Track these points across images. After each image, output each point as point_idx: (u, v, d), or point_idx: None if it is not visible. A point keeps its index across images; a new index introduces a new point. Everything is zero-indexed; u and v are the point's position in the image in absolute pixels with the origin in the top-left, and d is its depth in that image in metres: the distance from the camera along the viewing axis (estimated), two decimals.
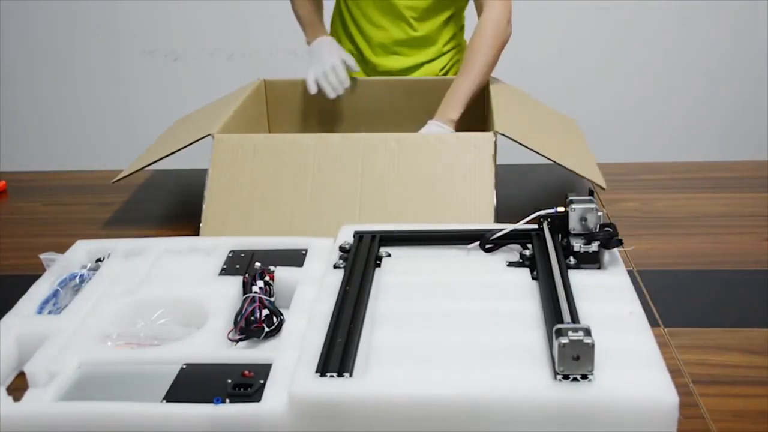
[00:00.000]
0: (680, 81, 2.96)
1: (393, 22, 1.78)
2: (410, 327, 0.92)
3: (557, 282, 0.96)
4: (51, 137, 3.09)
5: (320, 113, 1.78)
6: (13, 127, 3.08)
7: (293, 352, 0.88)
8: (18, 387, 0.91)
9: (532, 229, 1.11)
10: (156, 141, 1.58)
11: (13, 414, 0.82)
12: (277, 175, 1.35)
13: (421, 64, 1.83)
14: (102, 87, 3.03)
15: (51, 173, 1.78)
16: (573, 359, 0.79)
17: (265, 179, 1.35)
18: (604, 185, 1.36)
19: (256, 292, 0.98)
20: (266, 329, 0.95)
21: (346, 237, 1.14)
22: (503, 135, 1.34)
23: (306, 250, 1.14)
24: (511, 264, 1.07)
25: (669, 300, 1.09)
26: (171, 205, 1.43)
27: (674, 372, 0.86)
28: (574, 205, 1.06)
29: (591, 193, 1.09)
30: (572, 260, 1.04)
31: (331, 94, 1.70)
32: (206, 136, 1.38)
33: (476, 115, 1.61)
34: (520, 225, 1.10)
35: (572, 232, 1.06)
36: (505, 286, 1.01)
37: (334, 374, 0.82)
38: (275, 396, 0.82)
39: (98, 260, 1.16)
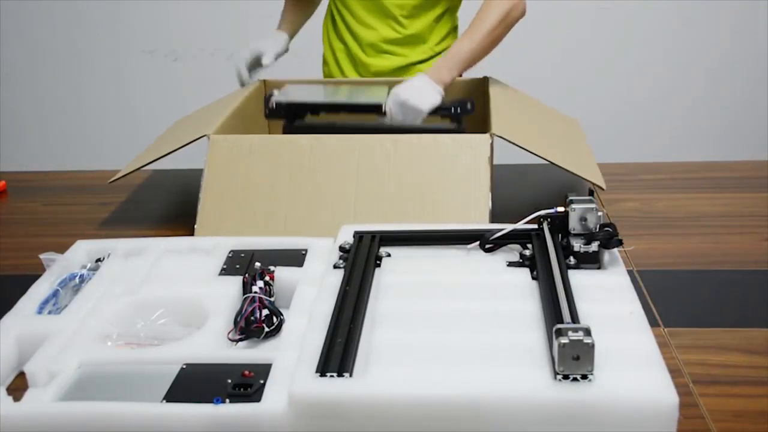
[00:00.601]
0: (680, 81, 2.96)
1: (382, 21, 1.77)
2: (410, 327, 0.92)
3: (557, 282, 0.96)
4: (51, 137, 3.09)
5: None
6: (13, 127, 3.08)
7: (293, 352, 0.88)
8: (18, 387, 0.91)
9: (532, 229, 1.11)
10: (155, 141, 1.58)
11: (13, 414, 0.82)
12: (273, 176, 1.35)
13: (413, 64, 1.82)
14: (102, 87, 3.03)
15: (51, 173, 1.78)
16: (573, 359, 0.79)
17: (260, 180, 1.35)
18: (603, 186, 1.36)
19: (256, 292, 0.98)
20: (266, 329, 0.95)
21: (346, 237, 1.14)
22: (500, 137, 1.34)
23: (306, 250, 1.14)
24: (511, 264, 1.07)
25: (669, 300, 1.09)
26: (171, 205, 1.43)
27: (674, 372, 0.86)
28: (574, 205, 1.06)
29: (591, 193, 1.09)
30: (572, 260, 1.04)
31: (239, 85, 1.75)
32: (202, 136, 1.38)
33: (477, 117, 1.61)
34: (520, 225, 1.10)
35: (572, 232, 1.06)
36: (505, 286, 1.01)
37: (334, 374, 0.82)
38: (275, 396, 0.82)
39: (98, 260, 1.16)
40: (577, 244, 1.05)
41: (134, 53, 2.98)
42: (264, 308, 0.97)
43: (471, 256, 1.11)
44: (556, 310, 0.91)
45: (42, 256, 1.16)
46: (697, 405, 0.88)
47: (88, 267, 1.14)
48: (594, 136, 3.08)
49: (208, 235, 1.29)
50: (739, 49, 2.91)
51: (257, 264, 1.07)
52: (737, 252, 1.24)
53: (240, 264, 1.12)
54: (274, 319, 0.96)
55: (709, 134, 2.99)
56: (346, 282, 1.00)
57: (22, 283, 1.09)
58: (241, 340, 0.94)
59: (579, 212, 1.06)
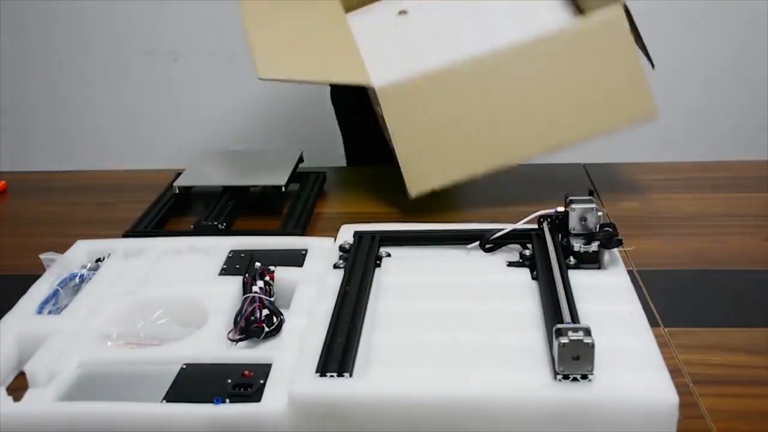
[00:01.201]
0: (680, 81, 2.96)
1: None
2: (410, 327, 0.92)
3: (557, 282, 0.97)
4: (51, 137, 3.09)
5: None
6: (13, 127, 3.08)
7: (293, 352, 0.88)
8: (18, 387, 0.91)
9: (532, 229, 1.11)
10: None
11: (13, 414, 0.83)
12: (451, 110, 1.34)
13: None
14: (102, 87, 3.02)
15: (51, 173, 1.78)
16: (573, 359, 0.79)
17: (441, 118, 1.34)
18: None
19: (256, 292, 0.98)
20: (266, 329, 0.95)
21: (346, 237, 1.14)
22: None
23: (306, 250, 1.15)
24: (511, 264, 1.07)
25: (669, 300, 1.09)
26: (171, 205, 1.43)
27: (674, 372, 0.86)
28: (574, 205, 1.06)
29: (591, 193, 1.09)
30: (572, 260, 1.04)
31: None
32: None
33: None
34: (520, 225, 1.10)
35: (572, 232, 1.06)
36: (504, 286, 1.01)
37: (334, 374, 0.82)
38: (275, 396, 0.82)
39: (98, 260, 1.16)
40: (577, 244, 1.05)
41: (134, 53, 2.98)
42: (264, 308, 0.97)
43: (471, 256, 1.11)
44: (556, 310, 0.91)
45: (42, 256, 1.16)
46: (697, 405, 0.88)
47: (88, 267, 1.14)
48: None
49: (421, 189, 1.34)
50: (740, 49, 2.90)
51: (257, 264, 1.07)
52: (737, 252, 1.24)
53: (240, 264, 1.12)
54: (274, 319, 0.96)
55: (709, 134, 2.98)
56: (346, 282, 1.00)
57: (22, 283, 1.09)
58: (241, 340, 0.95)
59: (579, 212, 1.06)
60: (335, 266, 1.07)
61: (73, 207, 1.53)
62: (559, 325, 0.82)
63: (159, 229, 1.36)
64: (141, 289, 1.05)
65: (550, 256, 1.03)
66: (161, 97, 3.02)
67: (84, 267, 1.14)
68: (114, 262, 1.14)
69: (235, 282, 1.05)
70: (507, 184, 1.51)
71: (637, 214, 1.39)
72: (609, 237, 1.04)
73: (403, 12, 1.55)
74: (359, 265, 1.05)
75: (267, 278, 1.03)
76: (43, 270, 1.14)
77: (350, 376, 0.83)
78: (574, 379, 0.80)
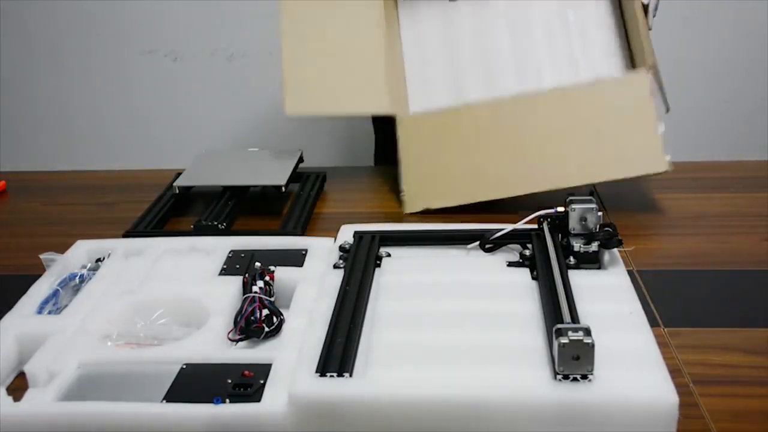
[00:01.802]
0: (680, 81, 2.96)
1: None
2: (410, 327, 0.92)
3: (557, 282, 0.97)
4: (51, 137, 3.09)
5: None
6: (13, 127, 3.08)
7: (293, 352, 0.88)
8: (18, 387, 0.91)
9: (532, 229, 1.11)
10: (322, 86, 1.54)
11: (13, 414, 0.82)
12: (462, 143, 1.40)
13: None
14: (101, 87, 3.02)
15: (51, 173, 1.78)
16: (573, 359, 0.79)
17: (450, 150, 1.40)
18: None
19: (256, 292, 0.98)
20: (266, 329, 0.95)
21: (346, 237, 1.14)
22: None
23: (306, 250, 1.14)
24: (511, 264, 1.07)
25: (669, 300, 1.09)
26: (171, 205, 1.43)
27: (674, 372, 0.86)
28: (574, 205, 1.06)
29: (591, 193, 1.09)
30: (572, 260, 1.04)
31: None
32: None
33: None
34: (520, 225, 1.10)
35: (572, 232, 1.06)
36: (505, 286, 1.01)
37: (334, 374, 0.82)
38: (275, 396, 0.82)
39: (98, 260, 1.16)
40: (577, 244, 1.05)
41: (134, 53, 2.98)
42: (264, 308, 0.97)
43: (471, 256, 1.11)
44: (556, 310, 0.91)
45: (42, 256, 1.16)
46: (697, 405, 0.88)
47: (88, 267, 1.14)
48: None
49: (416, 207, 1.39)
50: (740, 49, 2.90)
51: (257, 264, 1.07)
52: (737, 252, 1.24)
53: (240, 264, 1.12)
54: (274, 319, 0.96)
55: (710, 134, 2.98)
56: (346, 282, 1.00)
57: (22, 283, 1.09)
58: (241, 340, 0.94)
59: (579, 212, 1.06)
60: (335, 266, 1.07)
61: (73, 207, 1.53)
62: (559, 325, 0.82)
63: (159, 229, 1.36)
64: (141, 289, 1.05)
65: (550, 256, 1.03)
66: (161, 97, 3.02)
67: (84, 267, 1.14)
68: (114, 262, 1.14)
69: (235, 282, 1.05)
70: None
71: (638, 214, 1.39)
72: (609, 237, 1.04)
73: None
74: (359, 265, 1.05)
75: (267, 278, 1.03)
76: (43, 270, 1.14)
77: (350, 376, 0.83)
78: (574, 379, 0.80)
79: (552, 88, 1.43)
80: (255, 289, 0.99)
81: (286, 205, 1.42)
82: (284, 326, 0.96)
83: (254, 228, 1.34)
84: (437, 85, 1.52)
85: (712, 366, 0.95)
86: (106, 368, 0.90)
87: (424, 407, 0.80)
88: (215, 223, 1.30)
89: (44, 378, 0.88)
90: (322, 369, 0.83)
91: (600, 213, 1.06)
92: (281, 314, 0.97)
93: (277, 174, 1.46)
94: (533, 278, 1.03)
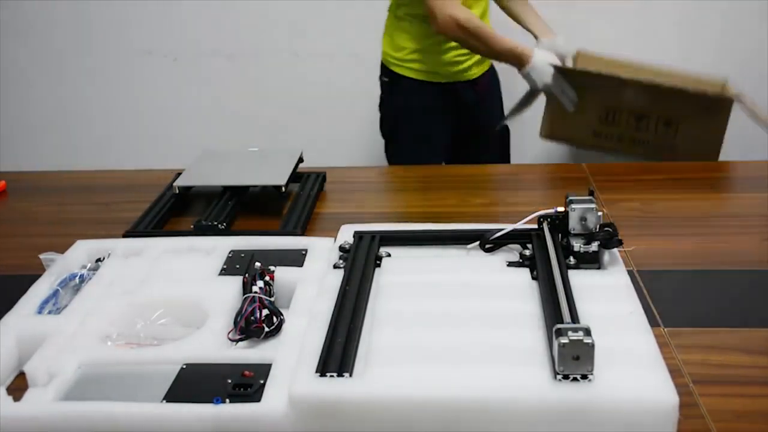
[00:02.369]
0: None
1: None
2: (410, 327, 0.92)
3: (557, 282, 0.97)
4: (51, 137, 3.09)
5: None
6: (13, 127, 3.08)
7: (293, 352, 0.88)
8: (18, 387, 0.91)
9: (532, 229, 1.11)
10: None
11: (13, 414, 0.83)
12: None
13: None
14: (101, 87, 3.02)
15: (51, 173, 1.78)
16: (573, 359, 0.79)
17: None
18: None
19: (256, 292, 0.98)
20: (266, 329, 0.95)
21: (346, 237, 1.14)
22: None
23: (306, 250, 1.14)
24: (511, 264, 1.07)
25: (669, 300, 1.09)
26: (171, 205, 1.43)
27: (674, 372, 0.86)
28: (574, 205, 1.06)
29: (591, 193, 1.09)
30: (572, 260, 1.04)
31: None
32: None
33: None
34: (520, 225, 1.10)
35: (572, 232, 1.06)
36: (505, 286, 1.01)
37: (334, 374, 0.82)
38: (275, 396, 0.82)
39: (98, 260, 1.16)
40: (577, 244, 1.05)
41: (134, 53, 2.98)
42: (264, 308, 0.97)
43: (471, 256, 1.11)
44: (556, 310, 0.91)
45: (42, 256, 1.16)
46: (697, 405, 0.88)
47: (88, 267, 1.14)
48: None
49: None
50: (739, 49, 2.90)
51: (257, 264, 1.07)
52: (737, 252, 1.24)
53: (240, 264, 1.12)
54: (274, 319, 0.96)
55: None
56: (346, 282, 1.00)
57: (22, 283, 1.09)
58: (241, 340, 0.94)
59: (579, 212, 1.06)
60: (335, 266, 1.07)
61: (73, 207, 1.53)
62: (559, 325, 0.82)
63: (159, 229, 1.36)
64: (141, 289, 1.05)
65: (550, 256, 1.03)
66: (161, 97, 3.02)
67: (84, 267, 1.14)
68: (114, 262, 1.14)
69: (235, 282, 1.05)
70: (507, 184, 1.51)
71: (637, 214, 1.39)
72: (609, 237, 1.04)
73: None
74: (359, 265, 1.05)
75: (267, 278, 1.03)
76: (43, 270, 1.14)
77: (350, 376, 0.83)
78: (574, 379, 0.80)
79: None
80: (255, 289, 0.99)
81: (286, 205, 1.42)
82: (284, 326, 0.96)
83: (254, 228, 1.34)
84: None
85: (712, 366, 0.95)
86: (106, 368, 0.90)
87: (424, 407, 0.80)
88: (215, 223, 1.30)
89: (44, 378, 0.88)
90: (322, 369, 0.83)
91: (600, 213, 1.06)
92: (281, 314, 0.97)
93: (277, 174, 1.46)
94: (533, 278, 1.03)
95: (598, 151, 1.88)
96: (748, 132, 2.96)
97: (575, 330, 0.80)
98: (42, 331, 0.97)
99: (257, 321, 0.95)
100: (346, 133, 2.92)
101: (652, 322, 0.94)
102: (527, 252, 1.08)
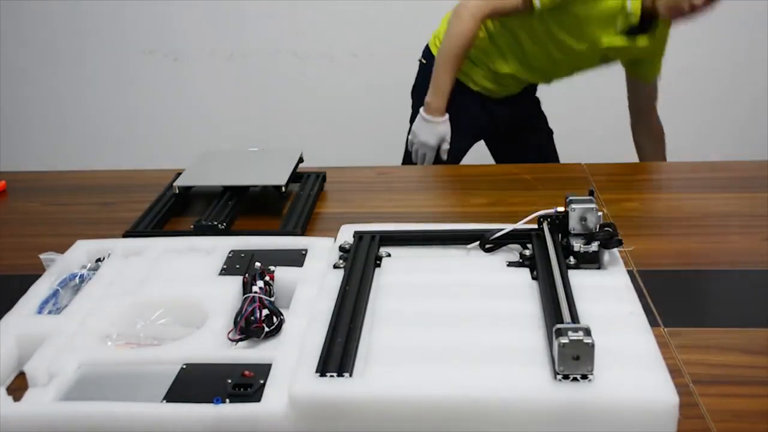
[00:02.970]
0: (680, 81, 2.96)
1: None
2: (410, 327, 0.92)
3: (557, 282, 0.97)
4: (51, 137, 3.09)
5: None
6: (13, 127, 3.08)
7: (293, 352, 0.88)
8: (18, 387, 0.91)
9: (532, 229, 1.11)
10: None
11: (13, 414, 0.82)
12: None
13: None
14: (102, 87, 3.03)
15: (51, 173, 1.78)
16: (573, 359, 0.79)
17: None
18: None
19: (256, 292, 0.98)
20: (266, 329, 0.95)
21: (346, 237, 1.14)
22: None
23: (306, 250, 1.14)
24: (511, 264, 1.07)
25: (669, 300, 1.09)
26: (171, 205, 1.43)
27: (674, 372, 0.86)
28: (574, 205, 1.06)
29: (591, 193, 1.09)
30: (572, 260, 1.04)
31: (417, 160, 1.90)
32: None
33: None
34: (520, 225, 1.10)
35: (572, 232, 1.06)
36: (505, 286, 1.01)
37: (334, 374, 0.82)
38: (275, 396, 0.82)
39: (98, 260, 1.16)
40: (577, 244, 1.05)
41: (134, 53, 2.98)
42: (264, 308, 0.97)
43: (471, 256, 1.11)
44: (556, 310, 0.91)
45: (42, 256, 1.16)
46: (697, 405, 0.88)
47: (88, 267, 1.14)
48: (594, 136, 3.08)
49: None
50: (740, 49, 2.90)
51: (257, 264, 1.07)
52: (737, 252, 1.24)
53: (240, 264, 1.12)
54: (274, 319, 0.96)
55: (710, 134, 2.99)
56: (346, 282, 1.00)
57: (22, 283, 1.09)
58: (241, 340, 0.94)
59: (579, 212, 1.06)
60: (335, 266, 1.07)
61: (73, 207, 1.53)
62: (559, 325, 0.82)
63: (159, 229, 1.36)
64: (141, 289, 1.05)
65: (550, 256, 1.03)
66: (161, 97, 3.02)
67: (84, 267, 1.14)
68: (114, 262, 1.14)
69: (235, 282, 1.05)
70: (507, 184, 1.51)
71: (637, 214, 1.39)
72: (609, 237, 1.03)
73: None
74: (359, 265, 1.05)
75: (267, 278, 1.03)
76: (43, 270, 1.14)
77: (350, 376, 0.83)
78: (574, 379, 0.80)
79: None
80: (255, 289, 0.99)
81: (286, 205, 1.42)
82: (284, 326, 0.96)
83: (254, 228, 1.34)
84: None
85: (712, 366, 0.95)
86: (106, 368, 0.90)
87: (424, 407, 0.80)
88: (215, 223, 1.30)
89: (44, 378, 0.88)
90: (322, 369, 0.83)
91: (600, 213, 1.06)
92: (281, 314, 0.97)
93: (277, 174, 1.46)
94: (533, 278, 1.03)
95: None
96: (748, 132, 2.96)
97: (575, 330, 0.80)
98: (42, 331, 0.97)
99: (257, 321, 0.95)
100: (346, 133, 2.92)
101: (652, 322, 0.94)
102: (527, 252, 1.08)
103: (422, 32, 2.09)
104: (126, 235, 1.30)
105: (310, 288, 1.03)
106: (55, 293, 1.07)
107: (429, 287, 1.01)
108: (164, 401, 0.83)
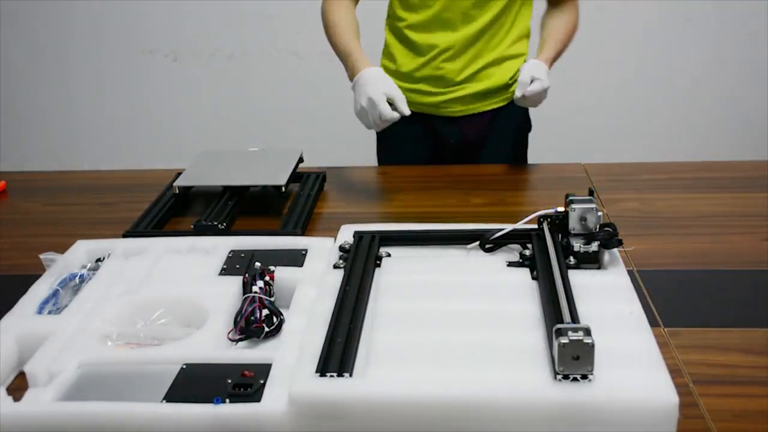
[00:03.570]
0: (680, 81, 2.96)
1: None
2: (410, 327, 0.92)
3: (557, 282, 0.96)
4: (51, 137, 3.09)
5: None
6: (13, 127, 3.08)
7: (293, 352, 0.88)
8: (18, 387, 0.91)
9: (532, 229, 1.11)
10: None
11: (13, 414, 0.82)
12: None
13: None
14: (102, 87, 3.03)
15: (51, 173, 1.78)
16: (573, 359, 0.79)
17: None
18: None
19: (256, 292, 0.98)
20: (266, 329, 0.95)
21: (346, 237, 1.14)
22: None
23: (306, 250, 1.14)
24: (511, 264, 1.07)
25: (669, 300, 1.09)
26: (171, 205, 1.43)
27: (674, 372, 0.86)
28: (574, 205, 1.06)
29: (591, 193, 1.09)
30: (572, 260, 1.04)
31: (373, 128, 1.47)
32: None
33: None
34: (520, 225, 1.10)
35: (572, 232, 1.06)
36: (505, 286, 1.01)
37: (334, 374, 0.82)
38: (275, 396, 0.82)
39: (98, 260, 1.16)
40: (577, 244, 1.05)
41: (134, 53, 2.98)
42: (264, 308, 0.97)
43: (471, 256, 1.11)
44: (556, 310, 0.91)
45: (42, 256, 1.16)
46: (697, 405, 0.88)
47: (88, 267, 1.14)
48: (594, 136, 3.08)
49: None
50: (739, 49, 2.90)
51: (257, 264, 1.07)
52: (737, 252, 1.24)
53: (240, 264, 1.12)
54: (274, 319, 0.96)
55: (709, 134, 2.99)
56: (346, 282, 1.00)
57: (22, 283, 1.09)
58: (241, 340, 0.94)
59: (579, 212, 1.06)
60: (335, 266, 1.07)
61: (73, 207, 1.53)
62: (559, 325, 0.82)
63: (159, 229, 1.36)
64: (141, 289, 1.05)
65: (550, 256, 1.03)
66: (161, 97, 3.02)
67: (84, 267, 1.14)
68: (114, 262, 1.14)
69: (235, 282, 1.05)
70: (507, 184, 1.51)
71: (637, 214, 1.39)
72: (609, 237, 1.03)
73: None
74: (359, 265, 1.05)
75: (267, 278, 1.03)
76: (43, 270, 1.14)
77: (350, 376, 0.83)
78: (574, 379, 0.80)
79: None
80: (255, 289, 0.99)
81: (286, 205, 1.42)
82: (284, 326, 0.96)
83: (254, 228, 1.34)
84: None
85: (712, 366, 0.95)
86: (106, 368, 0.90)
87: (424, 407, 0.80)
88: (215, 223, 1.30)
89: (44, 378, 0.88)
90: (322, 369, 0.83)
91: (600, 213, 1.06)
92: (281, 314, 0.97)
93: (277, 174, 1.46)
94: (533, 278, 1.03)
95: None
96: (748, 132, 2.96)
97: (575, 330, 0.80)
98: (42, 331, 0.97)
99: (257, 321, 0.95)
100: (346, 133, 2.92)
101: (652, 322, 0.94)
102: (527, 252, 1.08)
103: None
104: (126, 235, 1.30)
105: (310, 288, 1.03)
106: (55, 293, 1.07)
107: (429, 287, 1.01)
108: (164, 401, 0.83)
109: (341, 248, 1.11)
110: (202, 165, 1.55)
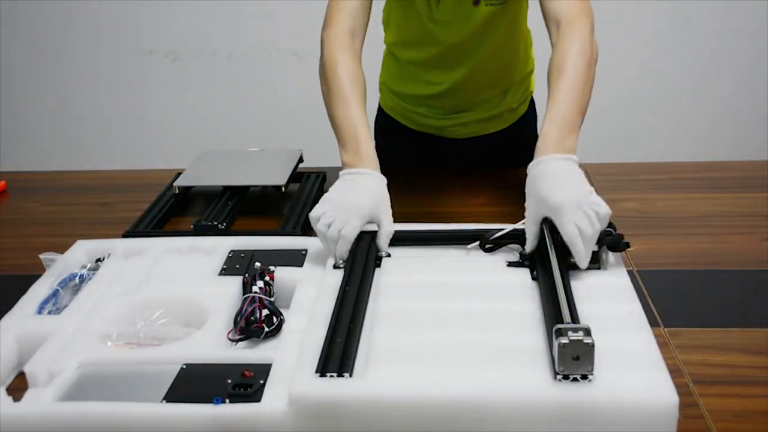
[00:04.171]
0: (680, 81, 2.96)
1: None
2: (410, 327, 0.92)
3: (557, 282, 0.96)
4: (51, 137, 3.09)
5: None
6: (13, 127, 3.08)
7: (293, 352, 0.88)
8: (18, 387, 0.91)
9: None
10: None
11: (13, 414, 0.82)
12: None
13: None
14: (102, 87, 3.03)
15: (51, 173, 1.78)
16: (573, 359, 0.79)
17: None
18: None
19: (256, 292, 0.98)
20: (266, 329, 0.95)
21: None
22: None
23: (306, 250, 1.14)
24: (511, 264, 1.07)
25: (669, 300, 1.09)
26: (171, 205, 1.43)
27: (674, 372, 0.86)
28: None
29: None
30: (572, 260, 1.04)
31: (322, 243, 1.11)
32: None
33: None
34: (520, 225, 1.10)
35: None
36: (505, 286, 1.01)
37: (334, 374, 0.82)
38: (275, 396, 0.82)
39: (98, 260, 1.16)
40: None
41: (134, 53, 2.98)
42: (264, 308, 0.97)
43: (471, 256, 1.11)
44: (556, 310, 0.90)
45: (42, 256, 1.16)
46: (697, 405, 0.88)
47: (88, 267, 1.14)
48: (594, 136, 3.07)
49: None
50: (739, 49, 2.90)
51: (257, 264, 1.07)
52: (737, 252, 1.24)
53: (240, 264, 1.12)
54: (274, 319, 0.96)
55: (709, 134, 2.98)
56: (346, 282, 1.00)
57: (22, 283, 1.09)
58: (241, 340, 0.94)
59: None
60: (335, 266, 1.07)
61: (72, 207, 1.53)
62: (559, 325, 0.82)
63: (159, 229, 1.36)
64: (141, 289, 1.05)
65: (550, 256, 1.03)
66: (161, 97, 3.02)
67: (84, 267, 1.14)
68: (114, 262, 1.14)
69: (235, 282, 1.05)
70: (507, 184, 1.51)
71: (637, 214, 1.39)
72: (616, 241, 1.03)
73: None
74: (359, 265, 1.05)
75: (267, 278, 1.03)
76: (43, 270, 1.14)
77: (350, 376, 0.83)
78: (574, 379, 0.80)
79: None
80: (255, 289, 0.99)
81: (286, 205, 1.42)
82: (284, 326, 0.96)
83: (254, 228, 1.34)
84: None
85: (712, 366, 0.95)
86: (106, 368, 0.90)
87: (424, 407, 0.80)
88: (215, 223, 1.31)
89: (44, 378, 0.88)
90: (322, 369, 0.83)
91: None
92: (281, 314, 0.97)
93: (277, 174, 1.46)
94: (533, 278, 1.03)
95: None
96: (748, 132, 2.96)
97: (575, 330, 0.80)
98: (42, 331, 0.97)
99: (257, 321, 0.95)
100: None
101: (652, 322, 0.94)
102: (527, 252, 1.08)
103: None
104: (126, 235, 1.30)
105: (310, 288, 1.03)
106: (55, 293, 1.07)
107: (429, 287, 1.01)
108: (164, 401, 0.83)
109: None
110: (202, 165, 1.55)
